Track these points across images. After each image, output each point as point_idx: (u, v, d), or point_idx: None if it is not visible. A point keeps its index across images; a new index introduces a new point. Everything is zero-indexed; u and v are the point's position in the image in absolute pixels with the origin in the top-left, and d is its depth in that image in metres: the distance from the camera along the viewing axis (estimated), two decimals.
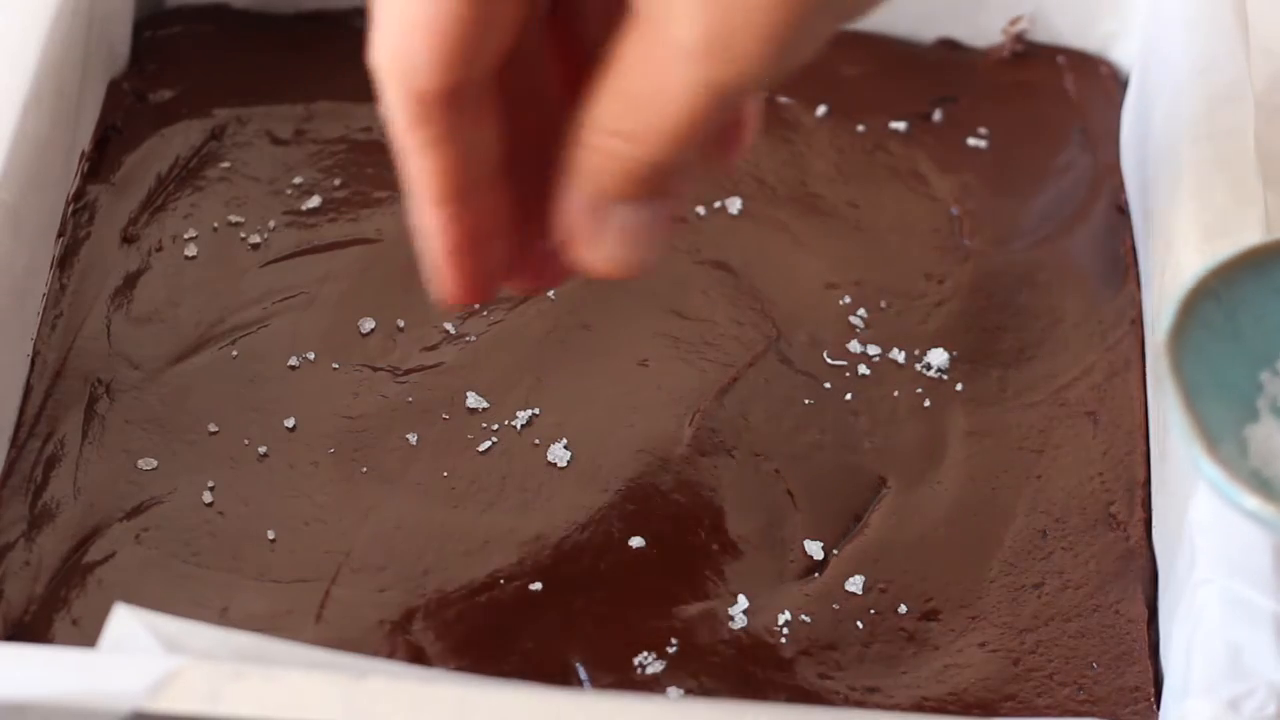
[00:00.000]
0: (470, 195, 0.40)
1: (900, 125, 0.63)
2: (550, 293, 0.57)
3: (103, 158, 0.59)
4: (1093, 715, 0.49)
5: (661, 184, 0.39)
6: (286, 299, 0.56)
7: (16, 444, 0.52)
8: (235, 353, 0.55)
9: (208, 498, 0.52)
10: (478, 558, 0.51)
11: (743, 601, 0.51)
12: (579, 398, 0.55)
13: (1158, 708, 0.49)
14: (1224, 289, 0.46)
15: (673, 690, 0.49)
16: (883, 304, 0.58)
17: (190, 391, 0.54)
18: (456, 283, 0.42)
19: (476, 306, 0.56)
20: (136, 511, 0.51)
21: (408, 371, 0.55)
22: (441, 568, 0.51)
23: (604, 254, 0.41)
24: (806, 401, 0.55)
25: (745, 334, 0.57)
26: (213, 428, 0.53)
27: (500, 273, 0.43)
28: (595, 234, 0.40)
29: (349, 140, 0.61)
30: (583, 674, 0.49)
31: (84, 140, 0.59)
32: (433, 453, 0.53)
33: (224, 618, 0.49)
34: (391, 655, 0.48)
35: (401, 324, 0.56)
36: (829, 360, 0.56)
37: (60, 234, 0.56)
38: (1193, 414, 0.43)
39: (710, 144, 0.41)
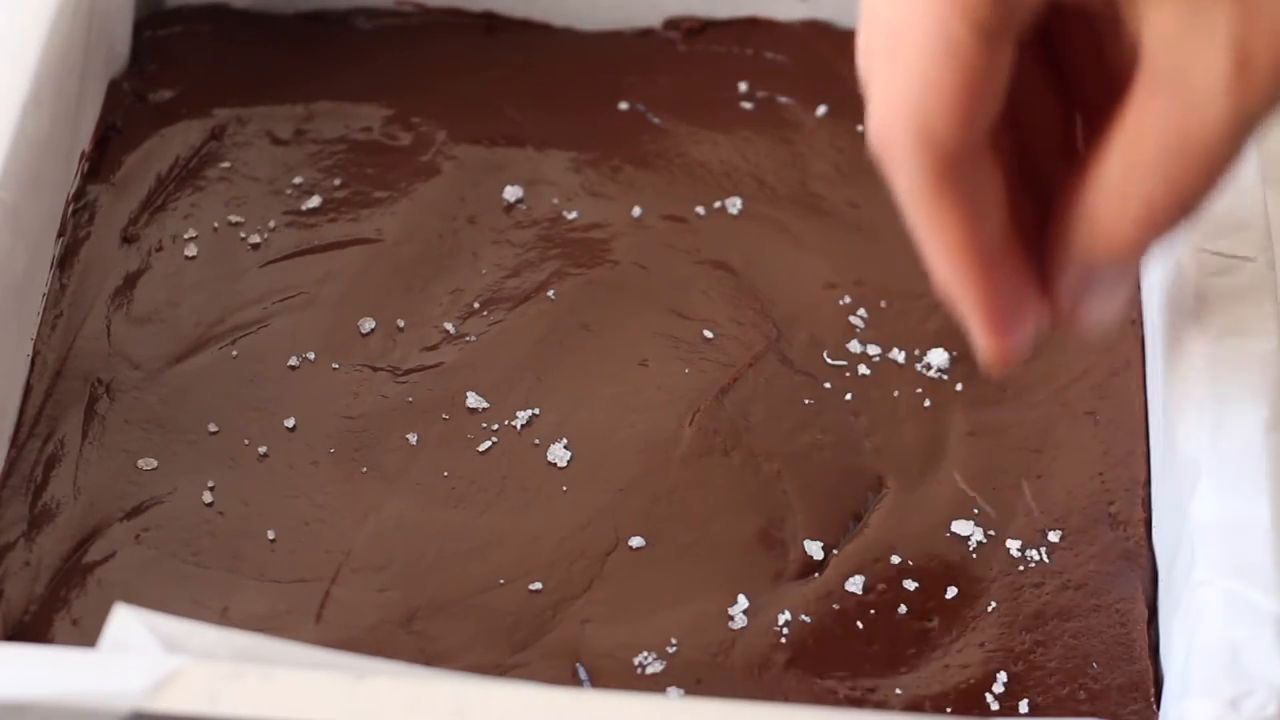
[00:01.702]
0: (995, 250, 0.40)
1: None
2: (550, 292, 0.57)
3: (103, 158, 0.59)
4: (1093, 715, 0.49)
5: (1169, 234, 0.39)
6: (286, 299, 0.56)
7: (16, 444, 0.52)
8: (235, 353, 0.55)
9: (208, 498, 0.52)
10: (478, 558, 0.51)
11: (743, 601, 0.51)
12: (579, 398, 0.55)
13: (1158, 708, 0.49)
14: None
15: (673, 690, 0.49)
16: (883, 304, 0.58)
17: (190, 391, 0.54)
18: (1004, 345, 0.42)
19: (476, 306, 0.57)
20: (136, 511, 0.51)
21: (408, 371, 0.55)
22: (441, 568, 0.51)
23: (1091, 314, 0.42)
24: (806, 401, 0.55)
25: (745, 334, 0.57)
26: (213, 428, 0.53)
27: (1030, 329, 0.43)
28: (1085, 294, 0.41)
29: (349, 140, 0.61)
30: (583, 674, 0.49)
31: (84, 140, 0.59)
32: (433, 453, 0.53)
33: (224, 618, 0.49)
34: (391, 655, 0.48)
35: (401, 324, 0.56)
36: (829, 360, 0.56)
37: (60, 234, 0.56)
38: None
39: None
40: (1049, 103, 0.42)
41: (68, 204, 0.57)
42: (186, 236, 0.58)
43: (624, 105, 0.63)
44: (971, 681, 0.50)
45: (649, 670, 0.49)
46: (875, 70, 0.39)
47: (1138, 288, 0.42)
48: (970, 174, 0.38)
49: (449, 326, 0.56)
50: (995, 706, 0.49)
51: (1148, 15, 0.37)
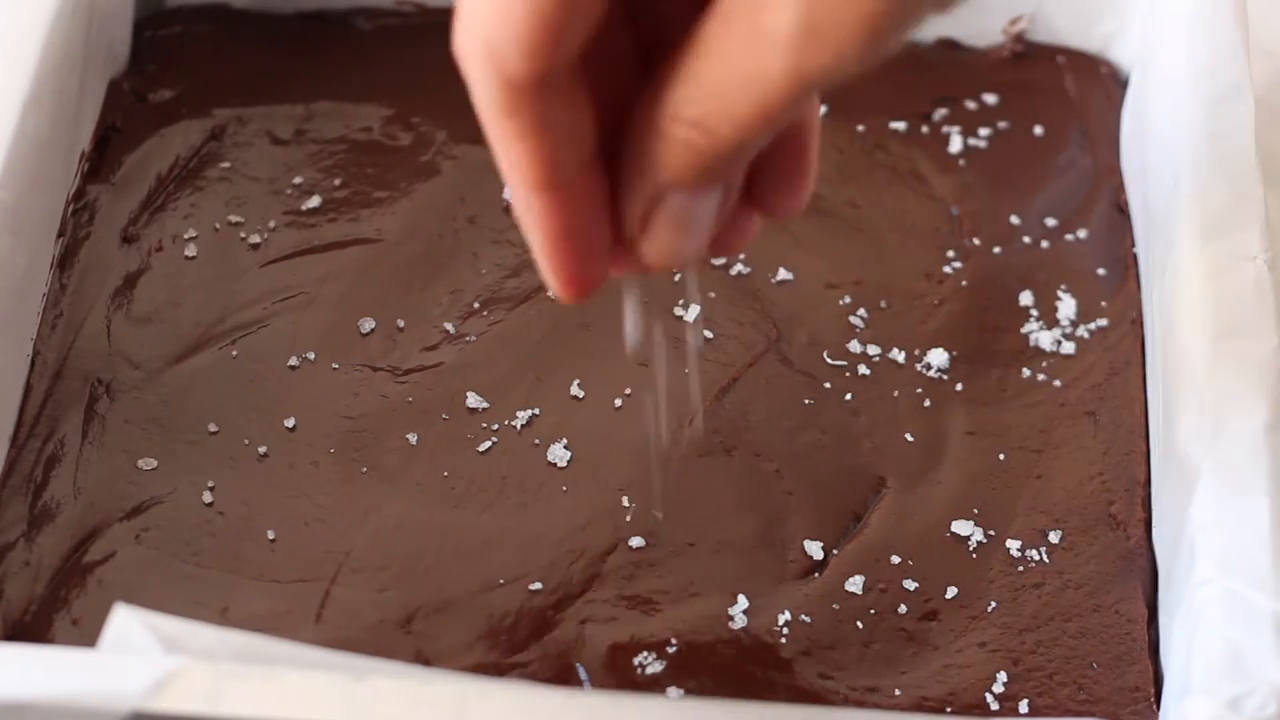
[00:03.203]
0: (569, 181, 0.39)
1: (900, 125, 0.63)
2: (550, 293, 0.57)
3: (103, 158, 0.59)
4: (1093, 715, 0.49)
5: (725, 172, 0.39)
6: (286, 299, 0.56)
7: (16, 444, 0.52)
8: (235, 353, 0.55)
9: (208, 498, 0.52)
10: (478, 558, 0.51)
11: (743, 601, 0.51)
12: (579, 398, 0.55)
13: (1158, 708, 0.49)
14: None
15: (673, 690, 0.49)
16: (883, 304, 0.58)
17: (190, 391, 0.54)
18: (566, 272, 0.41)
19: (476, 306, 0.57)
20: (136, 511, 0.51)
21: (408, 371, 0.55)
22: (441, 568, 0.51)
23: (658, 243, 0.40)
24: (806, 401, 0.55)
25: (745, 334, 0.57)
26: (213, 428, 0.53)
27: (604, 261, 0.42)
28: (651, 222, 0.40)
29: (349, 140, 0.61)
30: (583, 674, 0.49)
31: (84, 140, 0.59)
32: (433, 453, 0.53)
33: (224, 618, 0.49)
34: (391, 655, 0.48)
35: (401, 324, 0.56)
36: (829, 360, 0.56)
37: (60, 234, 0.56)
38: None
39: (772, 181, 0.41)
40: (649, 34, 0.40)
41: (68, 204, 0.57)
42: (186, 236, 0.58)
43: None
44: (971, 681, 0.50)
45: (649, 670, 0.49)
46: None
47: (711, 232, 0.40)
48: (548, 101, 0.37)
49: (449, 326, 0.56)
50: (995, 706, 0.49)
51: None
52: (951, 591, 0.51)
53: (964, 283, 0.59)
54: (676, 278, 0.58)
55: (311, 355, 0.55)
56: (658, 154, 0.38)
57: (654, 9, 0.39)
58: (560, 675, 0.49)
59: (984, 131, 0.63)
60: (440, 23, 0.65)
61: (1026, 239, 0.60)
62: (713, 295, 0.57)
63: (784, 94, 0.36)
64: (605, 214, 0.40)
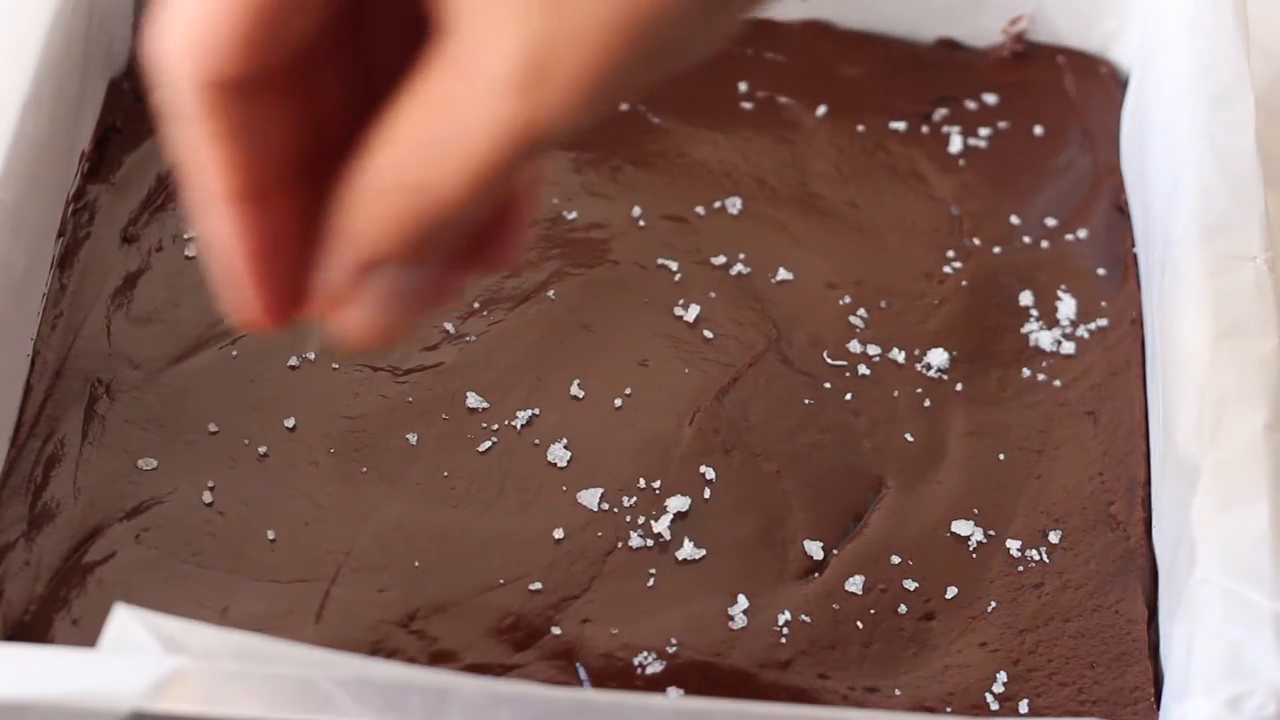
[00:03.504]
0: (264, 196, 0.36)
1: (900, 125, 0.63)
2: (550, 292, 0.57)
3: (103, 158, 0.59)
4: (1093, 715, 0.49)
5: (438, 245, 0.35)
6: None
7: (16, 444, 0.52)
8: (235, 353, 0.55)
9: (208, 498, 0.52)
10: (478, 558, 0.51)
11: (743, 601, 0.51)
12: (579, 398, 0.55)
13: (1158, 708, 0.49)
14: None
15: (673, 690, 0.49)
16: (883, 304, 0.58)
17: (190, 391, 0.54)
18: (254, 296, 0.37)
19: (478, 306, 0.56)
20: (136, 511, 0.51)
21: (408, 371, 0.55)
22: (441, 568, 0.51)
23: (358, 318, 0.37)
24: (806, 401, 0.55)
25: (745, 334, 0.57)
26: (213, 428, 0.53)
27: (299, 292, 0.37)
28: (354, 292, 0.36)
29: None
30: (583, 674, 0.49)
31: (84, 140, 0.59)
32: (433, 453, 0.53)
33: (224, 618, 0.49)
34: (391, 655, 0.48)
35: None
36: (829, 360, 0.56)
37: (60, 234, 0.56)
38: None
39: (485, 238, 0.37)
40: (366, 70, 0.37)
41: (68, 204, 0.57)
42: (186, 236, 0.58)
43: (624, 105, 0.63)
44: (971, 681, 0.50)
45: (649, 670, 0.49)
46: None
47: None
48: (247, 107, 0.35)
49: (449, 326, 0.56)
50: (995, 706, 0.49)
51: None
52: (951, 591, 0.51)
53: (964, 283, 0.59)
54: (676, 278, 0.58)
55: (311, 355, 0.55)
56: (365, 220, 0.35)
57: (386, 35, 0.37)
58: (560, 675, 0.49)
59: (984, 131, 0.63)
60: None
61: (1026, 239, 0.60)
62: (713, 295, 0.57)
63: (505, 150, 0.33)
64: (304, 243, 0.37)
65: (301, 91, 0.36)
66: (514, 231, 0.38)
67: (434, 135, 0.33)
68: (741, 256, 0.59)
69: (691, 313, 0.57)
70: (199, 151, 0.35)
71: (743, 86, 0.64)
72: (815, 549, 0.52)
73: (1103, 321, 0.58)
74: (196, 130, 0.35)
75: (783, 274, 0.58)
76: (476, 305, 0.57)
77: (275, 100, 0.35)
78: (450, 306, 0.38)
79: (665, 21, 0.32)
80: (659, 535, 0.52)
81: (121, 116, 0.61)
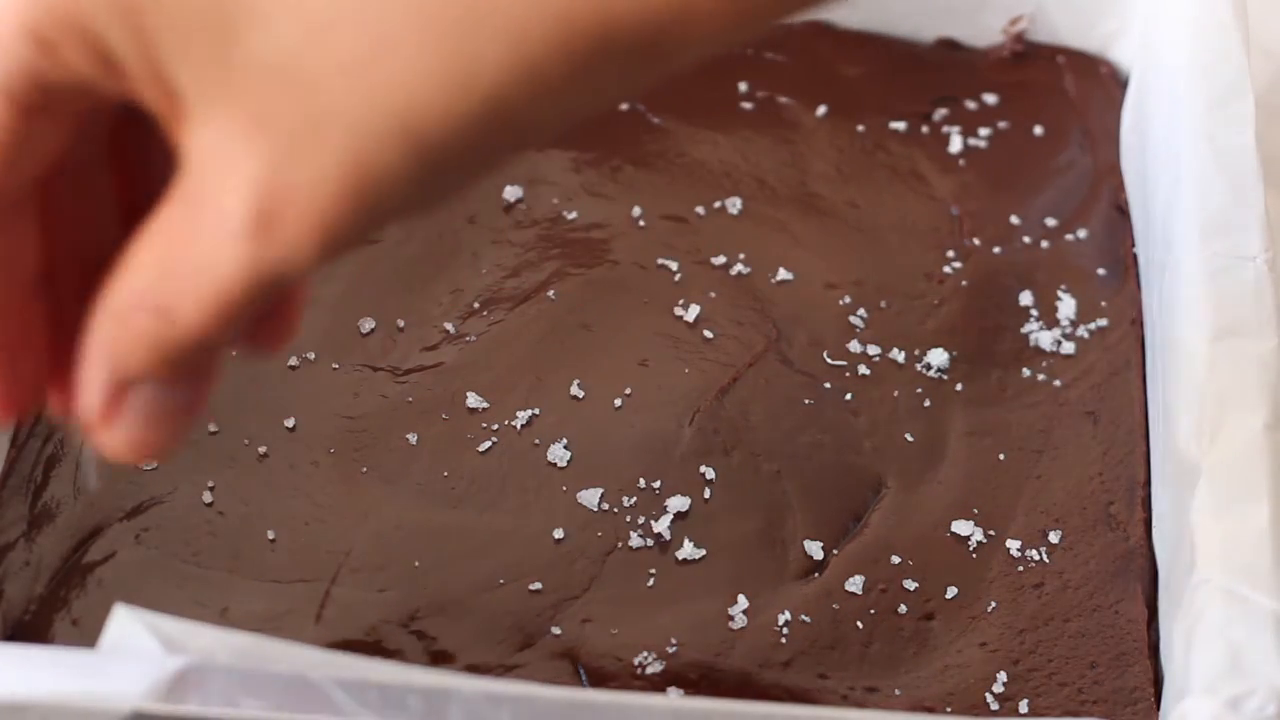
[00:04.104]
0: (1, 306, 0.37)
1: (900, 125, 0.63)
2: (550, 292, 0.57)
3: None
4: (1093, 715, 0.49)
5: (196, 364, 0.36)
6: None
7: (16, 444, 0.52)
8: (235, 352, 0.55)
9: (208, 498, 0.52)
10: (478, 558, 0.51)
11: (743, 601, 0.51)
12: (579, 398, 0.55)
13: (1158, 708, 0.49)
14: None
15: (673, 690, 0.49)
16: (883, 304, 0.58)
17: None
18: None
19: (478, 306, 0.56)
20: (136, 511, 0.51)
21: (408, 371, 0.55)
22: (441, 568, 0.51)
23: (121, 434, 0.37)
24: (806, 401, 0.55)
25: (745, 334, 0.57)
26: (213, 428, 0.53)
27: (35, 392, 0.38)
28: (114, 411, 0.36)
29: None
30: (583, 674, 0.49)
31: None
32: (433, 453, 0.53)
33: (224, 618, 0.49)
34: (391, 655, 0.48)
35: (401, 324, 0.56)
36: (829, 360, 0.56)
37: None
38: None
39: (257, 325, 0.39)
40: (130, 188, 0.38)
41: None
42: None
43: (624, 105, 0.63)
44: (971, 681, 0.50)
45: (649, 670, 0.49)
46: None
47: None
48: None
49: (449, 326, 0.56)
50: (995, 706, 0.49)
51: (195, 124, 0.33)
52: (951, 591, 0.51)
53: (964, 283, 0.59)
54: (676, 278, 0.58)
55: (311, 355, 0.55)
56: (120, 341, 0.35)
57: (144, 161, 0.37)
58: (560, 675, 0.49)
59: (984, 131, 0.63)
60: None
61: (1026, 239, 0.60)
62: (713, 295, 0.57)
63: (242, 286, 0.33)
64: (39, 349, 0.38)
65: (52, 210, 0.37)
66: (288, 317, 0.39)
67: (173, 268, 0.34)
68: (741, 256, 0.59)
69: (691, 313, 0.57)
70: None
71: (743, 86, 0.64)
72: (815, 549, 0.52)
73: (1103, 321, 0.58)
74: None
75: (783, 274, 0.58)
76: (476, 305, 0.57)
77: (17, 219, 0.36)
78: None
79: (394, 176, 0.32)
80: (659, 535, 0.52)
81: None
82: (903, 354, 0.57)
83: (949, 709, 0.49)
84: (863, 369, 0.56)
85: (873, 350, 0.57)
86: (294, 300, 0.39)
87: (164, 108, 0.34)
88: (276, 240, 0.33)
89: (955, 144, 0.63)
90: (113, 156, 0.38)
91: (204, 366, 0.37)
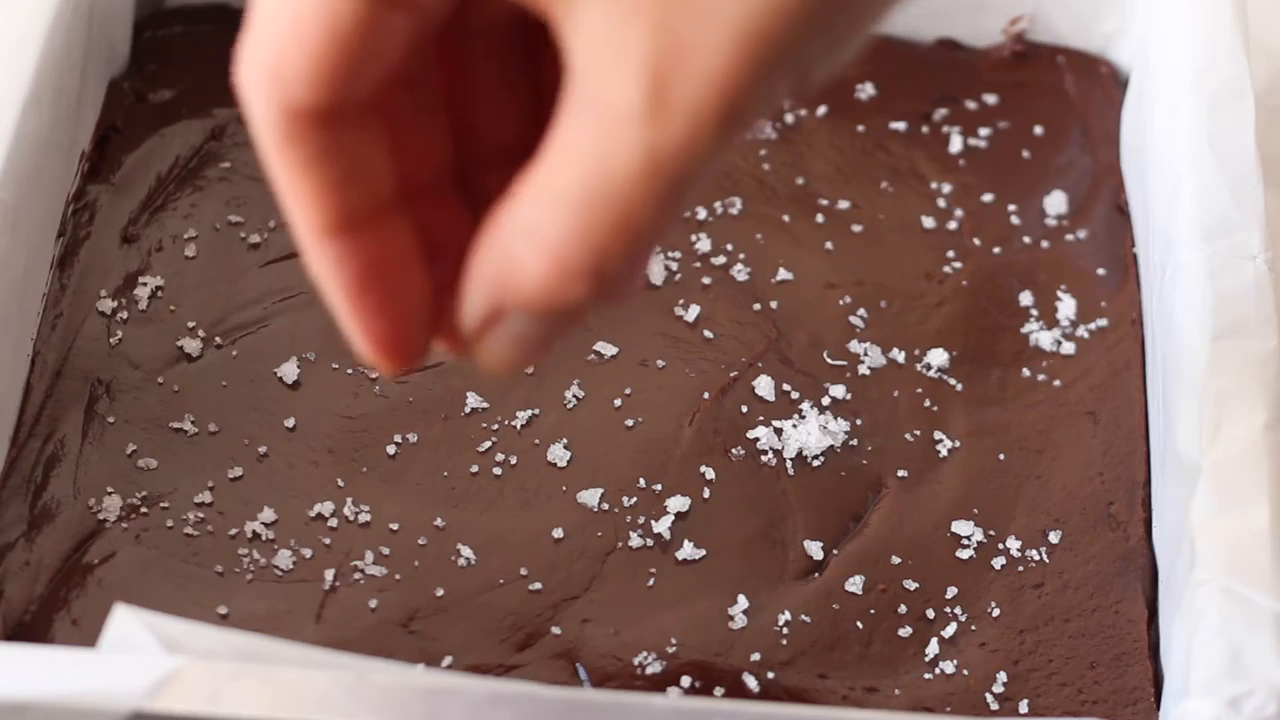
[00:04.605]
0: (360, 227, 0.35)
1: (900, 125, 0.63)
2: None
3: (103, 158, 0.59)
4: (1093, 715, 0.49)
5: (582, 310, 0.34)
6: (286, 299, 0.56)
7: (16, 444, 0.52)
8: (235, 353, 0.55)
9: (208, 498, 0.52)
10: (478, 558, 0.51)
11: (743, 601, 0.51)
12: (579, 398, 0.55)
13: (1158, 708, 0.49)
14: None
15: (673, 690, 0.49)
16: (883, 304, 0.58)
17: (190, 391, 0.54)
18: (372, 334, 0.36)
19: None
20: (136, 511, 0.51)
21: (408, 371, 0.55)
22: (441, 568, 0.51)
23: (489, 351, 0.36)
24: (806, 402, 0.55)
25: (745, 334, 0.57)
26: (213, 428, 0.53)
27: (425, 326, 0.36)
28: (490, 331, 0.35)
29: None
30: (583, 674, 0.49)
31: (84, 140, 0.59)
32: (433, 453, 0.53)
33: (224, 618, 0.49)
34: (391, 655, 0.48)
35: None
36: (829, 360, 0.56)
37: (60, 234, 0.56)
38: None
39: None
40: (509, 109, 0.36)
41: (68, 204, 0.57)
42: (186, 236, 0.58)
43: None
44: (971, 681, 0.50)
45: (649, 670, 0.49)
46: (256, 6, 0.34)
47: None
48: (330, 137, 0.33)
49: None
50: (995, 706, 0.49)
51: (577, 18, 0.31)
52: (951, 591, 0.51)
53: (964, 283, 0.59)
54: (676, 278, 0.58)
55: (311, 355, 0.55)
56: (509, 275, 0.34)
57: (500, 60, 0.36)
58: (560, 675, 0.49)
59: (984, 131, 0.63)
60: None
61: (1026, 239, 0.60)
62: (713, 295, 0.57)
63: (643, 194, 0.31)
64: (417, 273, 0.36)
65: (402, 119, 0.35)
66: (640, 270, 0.36)
67: (585, 174, 0.32)
68: (741, 256, 0.59)
69: (691, 313, 0.57)
70: (285, 182, 0.34)
71: None
72: (815, 549, 0.52)
73: (1103, 321, 0.58)
74: (280, 160, 0.34)
75: (783, 274, 0.58)
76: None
77: (366, 130, 0.34)
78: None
79: (792, 33, 0.31)
80: (659, 535, 0.52)
81: (121, 116, 0.60)
82: (903, 354, 0.57)
83: (949, 709, 0.49)
84: (863, 369, 0.56)
85: (873, 350, 0.57)
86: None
87: (542, 2, 0.32)
88: (676, 115, 0.31)
89: (955, 144, 0.63)
90: (457, 62, 0.36)
91: (590, 309, 0.35)
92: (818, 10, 0.31)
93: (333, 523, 0.51)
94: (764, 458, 0.54)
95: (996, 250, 0.60)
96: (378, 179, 0.35)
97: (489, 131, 0.36)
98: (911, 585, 0.51)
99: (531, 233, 0.33)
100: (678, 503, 0.52)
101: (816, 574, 0.52)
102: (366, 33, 0.32)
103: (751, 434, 0.54)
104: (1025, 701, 0.49)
